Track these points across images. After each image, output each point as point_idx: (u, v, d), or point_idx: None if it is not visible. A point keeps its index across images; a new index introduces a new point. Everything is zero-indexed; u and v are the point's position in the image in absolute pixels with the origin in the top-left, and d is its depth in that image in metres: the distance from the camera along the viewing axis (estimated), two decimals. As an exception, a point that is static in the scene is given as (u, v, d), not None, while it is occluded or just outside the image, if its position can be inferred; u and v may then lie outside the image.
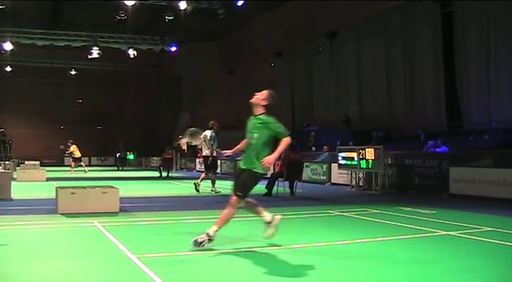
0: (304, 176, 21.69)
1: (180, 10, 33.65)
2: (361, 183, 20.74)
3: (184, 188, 21.25)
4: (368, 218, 11.62)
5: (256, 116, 8.27)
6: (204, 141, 18.55)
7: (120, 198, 12.59)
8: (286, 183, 17.83)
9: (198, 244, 7.74)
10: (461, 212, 12.94)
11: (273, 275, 6.41)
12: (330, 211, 12.90)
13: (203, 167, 19.52)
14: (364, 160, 19.55)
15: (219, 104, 51.29)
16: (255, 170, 8.18)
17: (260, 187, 18.89)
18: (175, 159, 38.87)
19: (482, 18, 25.54)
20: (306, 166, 23.01)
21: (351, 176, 21.22)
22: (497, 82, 24.58)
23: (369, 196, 17.95)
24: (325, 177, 23.56)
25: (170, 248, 8.06)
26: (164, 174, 30.37)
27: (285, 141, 8.04)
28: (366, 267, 6.82)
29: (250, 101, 8.35)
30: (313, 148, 26.68)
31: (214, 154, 18.49)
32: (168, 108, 56.63)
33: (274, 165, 25.08)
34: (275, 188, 17.53)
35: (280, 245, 8.23)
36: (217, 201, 15.58)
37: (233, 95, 49.25)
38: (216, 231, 7.94)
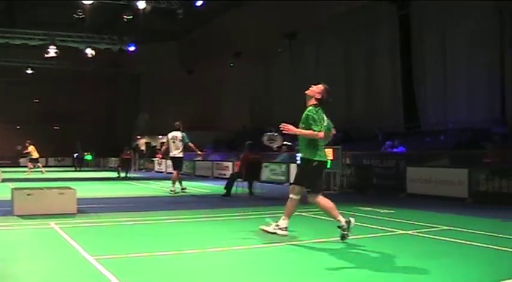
0: (264, 176, 21.74)
1: (139, 10, 33.40)
2: (319, 183, 20.79)
3: (142, 189, 21.14)
4: (327, 218, 11.64)
5: (306, 107, 8.56)
6: (173, 142, 18.67)
7: (78, 199, 12.42)
8: (245, 183, 17.82)
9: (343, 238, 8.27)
10: (419, 211, 13.09)
11: (231, 276, 6.39)
12: (289, 211, 12.90)
13: (172, 167, 19.51)
14: (322, 160, 19.60)
15: (178, 104, 51.04)
16: (306, 158, 8.50)
17: (219, 187, 18.92)
18: (133, 159, 38.60)
19: (438, 20, 25.92)
20: (265, 166, 23.04)
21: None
22: (453, 83, 24.96)
23: (327, 196, 17.98)
24: (284, 178, 23.61)
25: (128, 249, 7.97)
26: (122, 174, 30.11)
27: (312, 133, 8.23)
28: (326, 267, 6.84)
29: (306, 92, 8.78)
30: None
31: (182, 155, 18.78)
32: (127, 108, 56.23)
33: (233, 165, 25.22)
34: (234, 188, 17.51)
35: (240, 246, 8.20)
36: (176, 202, 15.54)
37: (192, 95, 49.19)
38: (340, 219, 8.43)
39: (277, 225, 8.77)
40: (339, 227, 8.35)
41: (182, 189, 18.87)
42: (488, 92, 23.53)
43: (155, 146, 51.24)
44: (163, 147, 20.00)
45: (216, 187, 20.74)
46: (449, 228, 9.94)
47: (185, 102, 50.39)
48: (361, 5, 28.53)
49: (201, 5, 33.66)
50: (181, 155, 18.86)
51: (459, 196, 15.52)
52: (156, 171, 38.40)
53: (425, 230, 9.71)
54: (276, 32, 34.76)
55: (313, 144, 8.38)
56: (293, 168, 22.60)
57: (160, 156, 37.58)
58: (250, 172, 17.69)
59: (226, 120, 45.02)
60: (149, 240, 8.87)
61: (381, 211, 12.70)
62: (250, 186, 17.83)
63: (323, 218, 11.69)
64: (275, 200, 16.33)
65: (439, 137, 22.93)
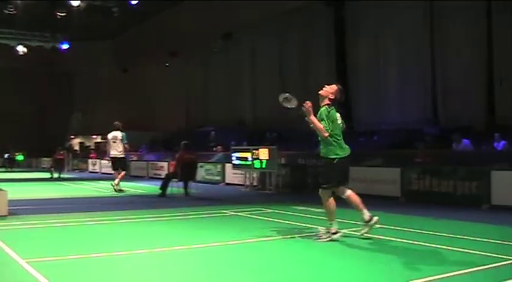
0: (199, 176, 21.67)
1: (73, 7, 32.84)
2: (255, 183, 20.90)
3: (76, 190, 20.80)
4: (263, 217, 11.71)
5: (320, 107, 8.66)
6: (114, 142, 18.95)
7: (9, 200, 12.14)
8: (181, 183, 17.73)
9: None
10: (352, 209, 13.23)
11: (164, 276, 6.36)
12: (225, 211, 12.91)
13: (111, 167, 19.67)
14: (258, 160, 19.71)
15: (113, 104, 50.45)
16: (328, 157, 8.58)
17: (154, 187, 18.78)
18: (67, 159, 37.96)
19: (372, 21, 26.33)
20: (201, 166, 22.97)
21: (245, 176, 21.36)
22: (386, 85, 25.41)
23: (263, 196, 18.10)
24: (219, 178, 23.59)
25: (61, 251, 7.81)
26: (55, 175, 29.61)
27: (321, 127, 8.42)
28: (262, 266, 6.87)
29: (319, 92, 8.78)
30: (215, 148, 26.65)
31: (124, 155, 19.09)
32: (60, 108, 55.15)
33: (168, 165, 25.07)
34: (169, 188, 17.41)
35: (174, 246, 8.15)
36: (110, 203, 15.35)
37: (127, 94, 48.71)
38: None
39: (366, 221, 8.76)
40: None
41: (119, 190, 18.76)
42: (420, 92, 24.02)
43: (89, 146, 50.59)
44: (107, 148, 19.80)
45: (152, 187, 20.57)
46: (382, 226, 10.09)
47: (120, 101, 49.86)
48: (295, 5, 28.70)
49: (136, 4, 33.34)
50: (123, 155, 19.09)
51: (392, 195, 15.79)
52: (90, 172, 37.85)
53: (359, 228, 9.84)
54: (211, 32, 34.70)
55: (329, 142, 8.53)
56: (228, 168, 22.60)
57: (95, 156, 37.20)
58: (185, 172, 17.62)
59: (162, 120, 44.73)
60: (83, 242, 8.74)
61: (316, 210, 12.79)
62: (185, 186, 17.75)
63: (258, 217, 11.74)
64: (211, 200, 16.33)
65: (373, 138, 23.30)
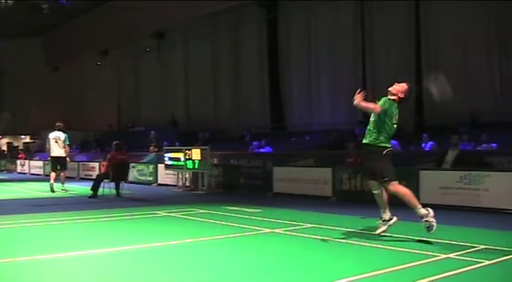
0: (131, 177, 21.47)
1: (1, 2, 32.03)
2: (188, 184, 20.84)
3: (3, 191, 20.31)
4: (195, 218, 11.70)
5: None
6: (56, 142, 18.98)
7: None
8: (112, 184, 17.54)
9: (430, 228, 8.09)
10: (285, 209, 13.36)
11: (92, 280, 6.30)
12: (157, 212, 12.84)
13: (51, 167, 19.57)
14: (190, 160, 19.67)
15: (43, 103, 49.49)
16: (377, 145, 8.44)
17: (86, 188, 18.52)
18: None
19: (304, 22, 26.63)
20: (133, 167, 22.77)
21: (178, 177, 21.28)
22: (317, 86, 25.75)
23: (196, 196, 18.07)
24: (151, 178, 23.43)
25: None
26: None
27: (374, 106, 8.31)
28: (193, 267, 6.87)
29: (390, 89, 8.56)
30: (156, 149, 26.37)
31: (65, 155, 19.15)
32: (-14, 107, 53.80)
33: (100, 165, 24.76)
34: (101, 189, 17.19)
35: (103, 248, 8.05)
36: (39, 205, 15.05)
37: (58, 93, 47.82)
38: (424, 211, 8.18)
39: (384, 220, 8.76)
40: (421, 216, 8.23)
41: (53, 190, 18.68)
42: (351, 93, 24.34)
43: (17, 147, 49.46)
44: (47, 147, 19.70)
45: (83, 188, 20.27)
46: (313, 225, 10.22)
47: (50, 101, 48.90)
48: (228, 6, 28.75)
49: (66, 2, 32.81)
50: (64, 155, 19.14)
51: (324, 195, 15.98)
52: (19, 172, 36.99)
53: (291, 228, 9.94)
54: (143, 31, 34.44)
55: (380, 129, 8.44)
56: (161, 168, 22.47)
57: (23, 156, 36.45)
58: (117, 173, 17.43)
59: (93, 120, 44.08)
60: (8, 245, 8.56)
61: (249, 210, 12.86)
62: (117, 187, 17.58)
63: (190, 218, 11.73)
64: (143, 201, 16.21)
65: (305, 138, 23.53)
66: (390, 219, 8.68)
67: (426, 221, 8.10)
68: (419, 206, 8.20)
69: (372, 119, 8.60)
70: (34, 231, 10.14)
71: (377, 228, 8.81)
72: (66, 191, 18.98)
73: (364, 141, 8.62)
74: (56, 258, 7.35)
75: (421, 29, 22.53)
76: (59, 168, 19.19)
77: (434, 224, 8.07)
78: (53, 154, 19.12)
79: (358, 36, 24.52)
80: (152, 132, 27.90)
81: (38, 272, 6.60)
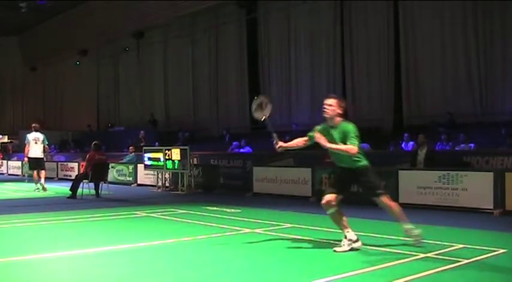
0: (110, 177, 21.36)
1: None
2: (167, 184, 20.80)
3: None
4: (175, 218, 11.69)
5: (334, 126, 8.06)
6: (36, 143, 19.34)
7: None
8: (91, 184, 17.46)
9: (417, 244, 7.87)
10: (265, 210, 13.39)
11: (71, 280, 6.28)
12: (137, 212, 12.81)
13: (29, 167, 20.39)
14: (170, 161, 19.64)
15: (20, 103, 49.15)
16: (364, 165, 8.03)
17: (65, 189, 18.41)
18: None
19: (284, 23, 26.71)
20: (112, 167, 22.66)
21: (157, 177, 21.23)
22: (297, 86, 25.82)
23: (175, 196, 18.04)
24: (131, 178, 23.34)
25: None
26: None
27: (349, 148, 7.75)
28: (172, 268, 6.88)
29: (325, 115, 8.07)
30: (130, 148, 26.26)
31: (42, 155, 19.68)
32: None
33: (79, 166, 24.62)
34: (80, 190, 17.10)
35: (84, 249, 8.02)
36: (17, 205, 14.95)
37: (36, 93, 47.53)
38: (411, 227, 7.96)
39: (350, 240, 7.88)
40: (405, 231, 7.94)
41: (37, 189, 19.30)
42: (330, 93, 24.46)
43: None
44: (26, 148, 19.85)
45: (62, 189, 20.15)
46: (292, 225, 10.25)
47: (28, 100, 48.60)
48: (207, 6, 28.72)
49: (45, 1, 32.60)
50: (42, 155, 19.69)
51: (304, 195, 16.02)
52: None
53: (271, 228, 9.97)
54: (122, 30, 34.31)
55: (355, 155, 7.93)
56: (140, 168, 22.40)
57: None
58: (96, 173, 17.35)
59: (72, 120, 43.81)
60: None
61: (228, 210, 12.88)
62: (96, 188, 17.50)
63: (170, 218, 11.71)
64: (122, 202, 16.15)
65: (285, 138, 23.50)
66: (357, 240, 7.87)
67: (412, 235, 7.96)
68: (407, 220, 7.99)
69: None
70: (11, 232, 10.07)
71: (340, 245, 7.89)
72: (46, 190, 19.16)
73: (346, 166, 8.09)
74: (43, 258, 7.33)
75: (400, 28, 22.67)
76: (37, 168, 19.51)
77: (420, 238, 7.93)
78: (32, 155, 19.38)
79: (338, 36, 24.62)
80: (142, 131, 27.83)
81: (17, 272, 6.57)
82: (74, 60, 40.57)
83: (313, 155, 18.15)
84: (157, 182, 21.15)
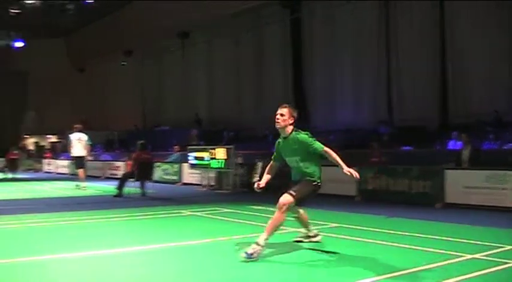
0: (156, 176, 21.57)
1: (27, 4, 32.30)
2: (212, 183, 20.90)
3: (30, 191, 20.52)
4: (220, 217, 11.74)
5: (286, 137, 7.85)
6: (79, 142, 20.11)
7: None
8: (137, 183, 17.65)
9: (249, 255, 7.04)
10: (310, 209, 13.26)
11: (121, 277, 6.35)
12: (182, 211, 12.91)
13: (77, 166, 20.86)
14: (215, 160, 19.72)
15: (68, 103, 49.89)
16: (312, 179, 7.86)
17: (111, 188, 18.65)
18: (21, 159, 37.37)
19: (328, 22, 26.57)
20: (158, 166, 22.88)
21: (202, 176, 21.35)
22: (341, 86, 25.66)
23: (220, 195, 18.12)
24: (176, 177, 23.52)
25: (12, 253, 7.73)
26: (9, 175, 29.17)
27: (329, 150, 7.75)
28: (220, 266, 6.91)
29: (277, 126, 7.85)
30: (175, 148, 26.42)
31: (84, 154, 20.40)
32: (13, 107, 54.13)
33: (125, 165, 24.90)
34: (126, 188, 17.30)
35: (130, 246, 8.12)
36: (65, 204, 15.19)
37: (83, 93, 48.20)
38: (266, 239, 7.30)
39: (308, 236, 8.30)
40: (257, 243, 7.28)
41: (78, 186, 20.17)
42: (375, 92, 24.30)
43: (44, 146, 49.90)
44: (69, 148, 20.82)
45: (108, 187, 20.41)
46: (338, 225, 10.23)
47: (75, 101, 49.29)
48: (251, 6, 28.73)
49: (91, 2, 33.02)
50: (85, 154, 20.49)
51: (349, 194, 15.93)
52: (46, 172, 37.33)
53: (316, 227, 9.92)
54: (167, 31, 34.54)
55: (317, 163, 7.96)
56: (185, 167, 22.55)
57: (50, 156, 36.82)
58: (142, 172, 17.53)
59: (118, 120, 44.32)
60: (37, 243, 8.67)
61: (273, 210, 12.85)
62: (142, 186, 17.68)
63: (214, 217, 11.77)
64: (167, 200, 16.28)
65: (328, 137, 23.46)
66: (316, 235, 8.24)
67: (254, 248, 7.19)
68: (270, 236, 7.42)
69: (296, 165, 8.10)
70: (63, 229, 10.24)
71: (297, 237, 8.39)
72: (85, 188, 19.85)
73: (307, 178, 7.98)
74: (83, 256, 7.45)
75: (446, 27, 22.37)
76: (78, 167, 20.42)
77: (256, 255, 7.13)
78: (75, 154, 20.19)
79: (383, 34, 24.37)
80: (194, 130, 28.03)
81: (60, 270, 6.69)
82: (120, 60, 40.98)
83: (358, 154, 18.08)
84: (202, 181, 21.26)
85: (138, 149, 18.00)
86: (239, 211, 12.71)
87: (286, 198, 7.58)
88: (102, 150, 36.30)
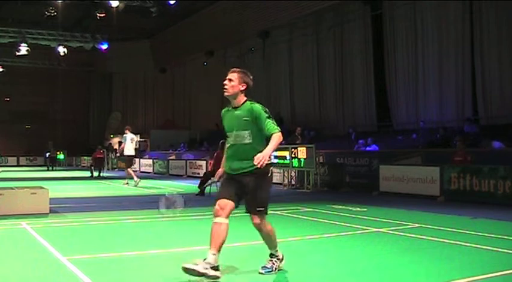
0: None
1: (112, 7, 33.13)
2: (293, 182, 20.90)
3: (116, 188, 21.03)
4: (300, 216, 11.72)
5: (237, 107, 6.50)
6: (132, 142, 22.33)
7: (50, 199, 12.35)
8: (219, 182, 17.73)
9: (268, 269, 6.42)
10: (391, 209, 13.19)
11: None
12: (263, 210, 12.91)
13: (128, 164, 23.44)
14: (296, 159, 19.71)
15: (151, 103, 50.98)
16: (265, 169, 6.35)
17: (193, 186, 18.87)
18: (106, 158, 38.37)
19: (410, 19, 26.14)
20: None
21: (283, 175, 21.37)
22: (424, 83, 25.17)
23: (301, 194, 18.09)
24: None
25: (101, 249, 7.94)
26: (95, 174, 29.93)
27: (277, 139, 6.24)
28: (299, 266, 6.89)
29: (225, 95, 6.47)
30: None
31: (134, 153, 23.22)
32: (99, 107, 55.78)
33: (207, 164, 25.17)
34: (208, 187, 17.47)
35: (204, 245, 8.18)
36: (148, 201, 15.44)
37: (165, 94, 49.09)
38: (280, 254, 6.61)
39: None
40: (271, 255, 6.64)
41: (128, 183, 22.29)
42: (459, 90, 23.76)
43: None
44: (121, 146, 23.43)
45: (190, 186, 20.68)
46: (420, 225, 10.04)
47: (158, 100, 50.29)
48: (332, 4, 28.58)
49: (174, 4, 33.53)
50: (134, 153, 23.24)
51: (431, 194, 15.64)
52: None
53: (398, 227, 9.80)
54: (248, 30, 34.75)
55: (261, 147, 6.36)
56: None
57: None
58: (223, 171, 17.62)
59: (200, 119, 44.89)
60: (120, 239, 8.85)
61: (354, 209, 12.78)
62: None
63: (295, 216, 11.74)
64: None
65: (411, 136, 23.11)
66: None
67: (271, 261, 6.54)
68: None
69: (245, 142, 6.52)
70: (145, 226, 10.47)
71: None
72: (127, 185, 21.96)
73: (245, 168, 6.46)
74: (171, 252, 7.57)
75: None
76: (128, 164, 23.06)
77: (276, 268, 6.50)
78: (126, 152, 22.22)
79: (467, 31, 23.76)
80: (298, 128, 28.05)
81: (153, 267, 6.80)
82: (201, 61, 41.49)
83: (441, 153, 17.73)
84: (283, 180, 21.28)
85: (220, 148, 18.14)
86: (320, 210, 12.64)
87: (258, 220, 6.48)
88: (184, 149, 36.84)
